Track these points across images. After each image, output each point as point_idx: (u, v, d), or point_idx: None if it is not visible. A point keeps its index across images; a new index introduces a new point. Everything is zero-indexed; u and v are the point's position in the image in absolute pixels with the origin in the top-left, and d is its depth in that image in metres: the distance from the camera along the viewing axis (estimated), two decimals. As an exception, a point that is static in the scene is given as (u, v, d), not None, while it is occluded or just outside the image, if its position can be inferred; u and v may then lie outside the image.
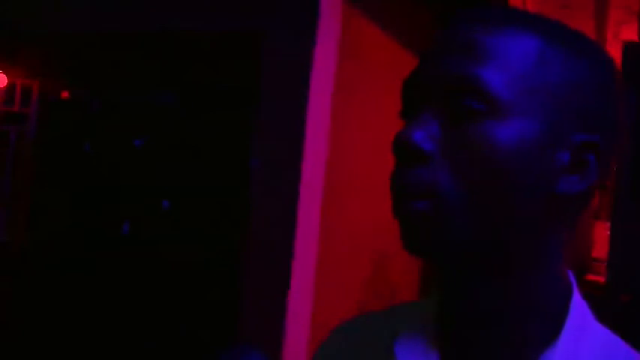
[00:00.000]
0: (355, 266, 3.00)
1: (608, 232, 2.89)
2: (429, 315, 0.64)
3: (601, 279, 3.37)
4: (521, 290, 0.58)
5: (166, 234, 2.73)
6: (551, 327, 0.58)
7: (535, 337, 0.58)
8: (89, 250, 2.86)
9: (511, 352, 0.58)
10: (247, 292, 2.47)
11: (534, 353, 0.57)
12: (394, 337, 0.64)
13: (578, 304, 0.60)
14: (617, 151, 0.60)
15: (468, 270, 0.59)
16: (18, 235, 3.20)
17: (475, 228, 0.56)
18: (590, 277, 6.41)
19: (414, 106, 0.60)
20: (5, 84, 3.34)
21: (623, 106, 0.60)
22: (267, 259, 2.45)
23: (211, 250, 2.64)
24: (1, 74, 3.29)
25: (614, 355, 0.58)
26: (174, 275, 2.69)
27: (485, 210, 0.55)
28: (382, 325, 0.68)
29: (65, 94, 3.19)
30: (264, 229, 2.47)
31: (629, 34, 4.50)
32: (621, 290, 2.76)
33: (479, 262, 0.58)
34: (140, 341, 2.70)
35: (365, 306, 3.05)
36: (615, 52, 4.85)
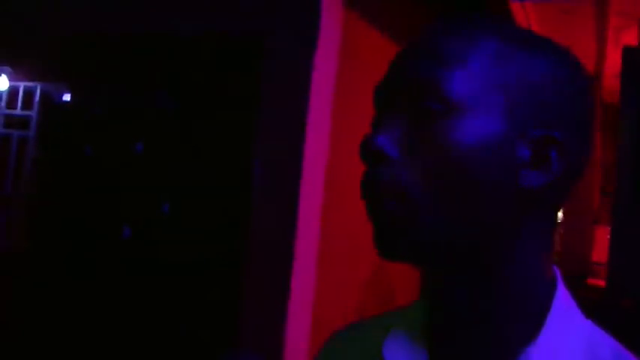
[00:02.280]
0: (355, 268, 3.01)
1: (609, 237, 2.90)
2: (418, 316, 0.66)
3: (601, 282, 3.38)
4: (498, 287, 0.59)
5: (167, 238, 2.74)
6: (533, 322, 0.58)
7: (517, 333, 0.58)
8: (90, 254, 2.86)
9: (494, 349, 0.59)
10: (248, 295, 2.47)
11: (517, 349, 0.58)
12: (384, 340, 0.66)
13: (560, 299, 0.60)
14: (584, 147, 0.61)
15: (443, 269, 0.61)
16: (18, 238, 3.20)
17: (443, 226, 0.57)
18: (591, 280, 6.42)
19: (382, 112, 0.62)
20: (7, 87, 3.35)
21: (587, 104, 0.62)
22: (267, 262, 2.46)
23: (212, 253, 2.64)
24: (3, 77, 3.30)
25: (598, 349, 0.59)
26: (175, 279, 2.69)
27: (451, 208, 0.57)
28: (373, 330, 0.70)
29: (67, 98, 3.19)
30: (264, 232, 2.47)
31: (629, 39, 4.51)
32: (621, 294, 2.76)
33: (452, 260, 0.59)
34: (141, 343, 2.70)
35: (365, 307, 3.05)
36: (615, 57, 4.86)
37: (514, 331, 0.59)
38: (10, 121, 3.33)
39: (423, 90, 0.58)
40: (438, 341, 0.63)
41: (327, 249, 2.65)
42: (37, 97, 3.25)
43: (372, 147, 0.59)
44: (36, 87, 3.25)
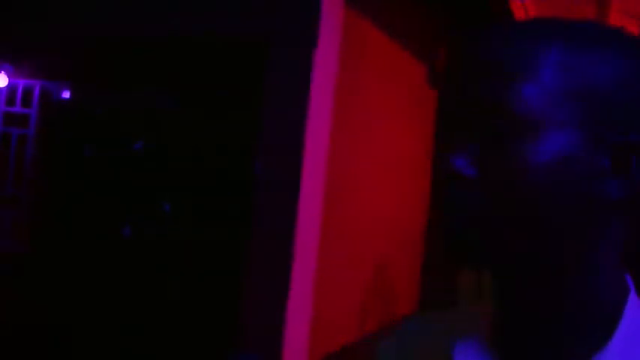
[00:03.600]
0: (356, 270, 3.00)
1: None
2: (487, 320, 0.65)
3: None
4: (571, 294, 0.58)
5: (167, 237, 2.73)
6: (604, 331, 0.58)
7: (588, 339, 0.58)
8: (90, 253, 2.86)
9: (564, 355, 0.58)
10: (248, 295, 2.47)
11: (587, 356, 0.57)
12: (453, 342, 0.65)
13: (633, 306, 0.59)
14: None
15: (519, 279, 0.60)
16: (19, 237, 3.20)
17: (521, 244, 0.56)
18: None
19: (456, 131, 0.61)
20: (6, 84, 3.35)
21: None
22: (268, 262, 2.45)
23: (212, 252, 2.64)
24: (3, 75, 3.30)
25: None
26: (175, 277, 2.69)
27: (529, 226, 0.55)
28: (445, 328, 0.69)
29: (66, 95, 3.19)
30: (265, 232, 2.47)
31: (630, 37, 4.50)
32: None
33: (525, 272, 0.58)
34: (141, 342, 2.70)
35: (365, 308, 3.05)
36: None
37: (585, 338, 0.58)
38: (10, 119, 3.33)
39: (492, 110, 0.56)
40: (508, 347, 0.62)
41: (328, 252, 2.65)
42: (36, 95, 3.25)
43: (452, 167, 0.57)
44: (35, 85, 3.25)
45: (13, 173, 3.30)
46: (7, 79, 3.33)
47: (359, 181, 2.95)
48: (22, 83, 3.33)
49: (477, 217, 0.56)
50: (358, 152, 2.93)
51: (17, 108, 3.35)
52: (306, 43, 2.46)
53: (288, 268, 2.39)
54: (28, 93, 3.32)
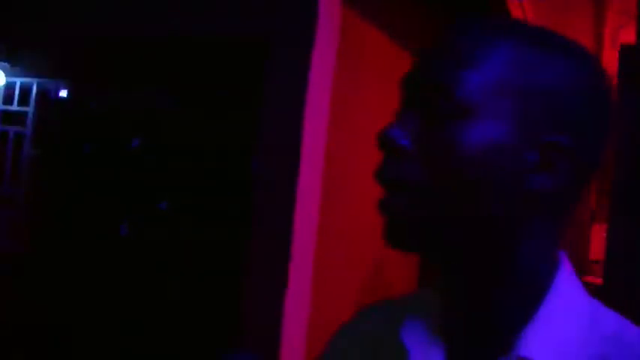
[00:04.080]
0: (353, 269, 3.00)
1: (605, 234, 2.90)
2: (433, 302, 0.69)
3: (598, 280, 3.38)
4: (500, 278, 0.61)
5: (164, 235, 2.73)
6: (533, 306, 0.61)
7: (517, 317, 0.61)
8: (88, 252, 2.86)
9: (497, 333, 0.62)
10: (245, 294, 2.47)
11: (517, 331, 0.60)
12: (402, 325, 0.69)
13: (562, 281, 0.62)
14: (595, 154, 0.62)
15: (447, 259, 0.63)
16: (17, 237, 3.20)
17: (448, 222, 0.59)
18: (588, 278, 6.42)
19: (402, 105, 0.65)
20: (4, 82, 3.34)
21: (603, 110, 0.62)
22: (265, 261, 2.46)
23: (209, 251, 2.64)
24: (0, 73, 3.29)
25: (600, 323, 0.61)
26: (172, 276, 2.69)
27: (456, 205, 0.59)
28: (395, 312, 0.72)
29: (64, 94, 3.19)
30: (262, 231, 2.47)
31: (627, 37, 4.51)
32: (618, 292, 2.76)
33: (455, 253, 0.62)
34: (138, 341, 2.70)
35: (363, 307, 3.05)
36: (613, 56, 4.87)
37: (515, 316, 0.61)
38: (7, 117, 3.32)
39: (437, 91, 0.59)
40: (451, 328, 0.65)
41: (325, 250, 2.65)
42: (33, 93, 3.24)
43: (388, 138, 0.61)
44: (33, 83, 3.24)
45: (10, 172, 3.29)
46: (4, 77, 3.33)
47: (357, 181, 2.94)
48: (19, 81, 3.33)
49: (408, 186, 0.60)
50: (356, 152, 2.93)
51: (14, 106, 3.34)
52: (304, 43, 2.46)
53: (286, 267, 2.40)
54: (25, 91, 3.31)
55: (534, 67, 0.60)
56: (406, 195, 0.60)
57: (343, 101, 2.74)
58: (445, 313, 0.66)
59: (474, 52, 0.60)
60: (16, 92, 3.31)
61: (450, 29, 0.64)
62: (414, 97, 0.63)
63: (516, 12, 4.92)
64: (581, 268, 6.61)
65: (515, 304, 0.62)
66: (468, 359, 0.64)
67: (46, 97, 3.23)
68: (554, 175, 0.59)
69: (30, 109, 3.28)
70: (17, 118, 3.31)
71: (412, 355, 0.65)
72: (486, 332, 0.63)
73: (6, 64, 3.27)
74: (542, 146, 0.59)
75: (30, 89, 3.25)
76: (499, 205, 0.59)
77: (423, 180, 0.59)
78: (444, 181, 0.58)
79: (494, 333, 0.62)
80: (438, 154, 0.59)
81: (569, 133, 0.59)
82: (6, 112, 3.33)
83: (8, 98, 3.31)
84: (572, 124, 0.60)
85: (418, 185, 0.59)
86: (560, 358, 0.58)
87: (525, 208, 0.60)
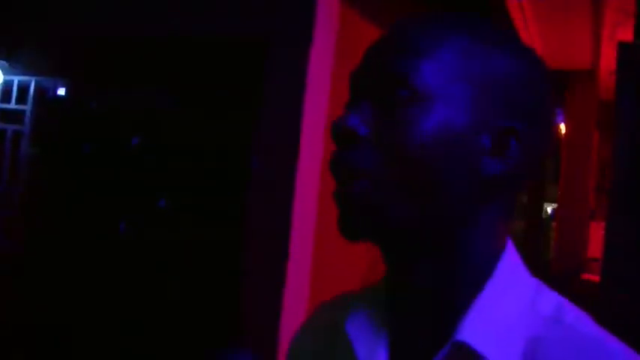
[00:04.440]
0: (351, 267, 3.01)
1: (603, 232, 2.90)
2: (381, 294, 0.70)
3: (596, 278, 3.39)
4: (449, 265, 0.63)
5: (163, 233, 2.73)
6: (476, 291, 0.62)
7: (460, 303, 0.62)
8: (85, 249, 2.86)
9: (440, 321, 0.62)
10: (244, 292, 2.47)
11: (459, 316, 0.61)
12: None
13: (504, 267, 0.63)
14: (542, 139, 0.65)
15: (400, 248, 0.65)
16: (14, 233, 3.19)
17: (403, 209, 0.60)
18: (586, 276, 6.43)
19: (355, 97, 0.66)
20: (1, 81, 3.34)
21: (546, 100, 0.65)
22: (263, 259, 2.46)
23: (208, 249, 2.64)
24: (-2, 72, 3.29)
25: (538, 304, 0.62)
26: (171, 274, 2.69)
27: (411, 191, 0.60)
28: (344, 304, 0.73)
29: (62, 92, 3.18)
30: (260, 229, 2.47)
31: (625, 35, 4.52)
32: (616, 289, 2.77)
33: (409, 241, 0.63)
34: (137, 339, 2.70)
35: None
36: (611, 53, 4.87)
37: (457, 302, 0.62)
38: (4, 116, 3.32)
39: (392, 79, 0.61)
40: (396, 317, 0.66)
41: (322, 248, 2.65)
42: (31, 91, 3.24)
43: (344, 127, 0.62)
44: (31, 81, 3.24)
45: (8, 170, 3.29)
46: (2, 76, 3.33)
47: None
48: (17, 79, 3.32)
49: (364, 174, 0.61)
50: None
51: (12, 104, 3.34)
52: (303, 43, 2.46)
53: (284, 266, 2.40)
54: (23, 89, 3.31)
55: (485, 59, 0.62)
56: (362, 183, 0.61)
57: (342, 100, 2.74)
58: (391, 304, 0.67)
59: (427, 42, 0.62)
60: (14, 90, 3.31)
61: (401, 23, 0.66)
62: (367, 88, 0.64)
63: (515, 10, 4.92)
64: (580, 266, 6.62)
65: (458, 290, 0.62)
66: (411, 348, 0.64)
67: (44, 95, 3.23)
68: (506, 160, 0.61)
69: (28, 107, 3.27)
70: (15, 116, 3.31)
71: (356, 345, 0.66)
72: (429, 320, 0.63)
73: (4, 62, 3.27)
74: (494, 131, 0.61)
75: (28, 87, 3.25)
76: (453, 190, 0.60)
77: (379, 167, 0.60)
78: (400, 167, 0.60)
79: (437, 320, 0.63)
80: (394, 140, 0.60)
81: (519, 119, 0.62)
82: (4, 111, 3.33)
83: (6, 96, 3.31)
84: (522, 111, 0.62)
85: (375, 173, 0.60)
86: (496, 341, 0.59)
87: (479, 193, 0.62)
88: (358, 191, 0.61)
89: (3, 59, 3.27)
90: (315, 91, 2.51)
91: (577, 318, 0.61)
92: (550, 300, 0.63)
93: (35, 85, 3.24)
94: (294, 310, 2.47)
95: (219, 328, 2.54)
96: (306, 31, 2.46)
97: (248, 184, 2.52)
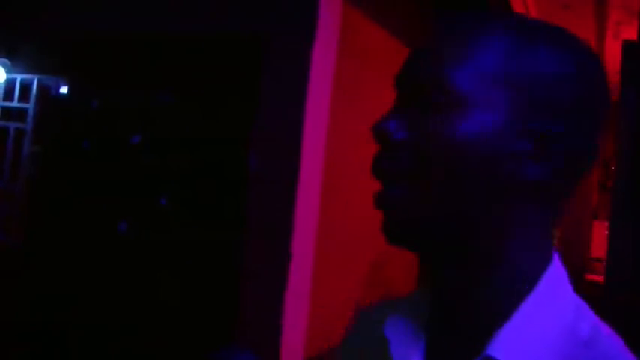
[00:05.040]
0: (353, 266, 3.00)
1: (607, 232, 2.89)
2: (420, 300, 0.69)
3: (600, 278, 3.38)
4: (488, 272, 0.61)
5: (164, 232, 2.73)
6: (514, 304, 0.60)
7: (498, 314, 0.60)
8: (85, 247, 2.86)
9: (476, 330, 0.61)
10: (245, 291, 2.47)
11: (494, 328, 0.59)
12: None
13: (547, 280, 0.61)
14: (589, 145, 0.62)
15: (439, 253, 0.63)
16: (16, 232, 3.20)
17: (440, 214, 0.60)
18: (590, 276, 6.42)
19: (397, 99, 0.65)
20: (4, 79, 3.34)
21: (597, 101, 0.62)
22: (264, 257, 2.45)
23: (209, 247, 2.63)
24: (0, 69, 3.29)
25: (578, 324, 0.60)
26: (171, 273, 2.69)
27: (449, 197, 0.59)
28: (388, 310, 0.72)
29: (64, 90, 3.19)
30: (261, 227, 2.47)
31: (629, 34, 4.50)
32: (620, 289, 2.76)
33: (447, 245, 0.61)
34: (137, 339, 2.70)
35: (363, 305, 3.05)
36: (615, 52, 4.85)
37: (495, 313, 0.60)
38: (7, 113, 3.32)
39: (429, 84, 0.60)
40: (433, 324, 0.66)
41: (325, 247, 2.64)
42: (34, 90, 3.24)
43: (382, 130, 0.61)
44: (33, 79, 3.24)
45: (10, 168, 3.29)
46: (4, 74, 3.33)
47: (357, 178, 2.94)
48: (19, 78, 3.32)
49: (403, 179, 0.60)
50: (356, 149, 2.92)
51: (15, 102, 3.34)
52: (305, 40, 2.45)
53: (286, 265, 2.39)
54: (25, 87, 3.31)
55: (527, 59, 0.60)
56: (401, 188, 0.60)
57: (344, 98, 2.73)
58: (431, 310, 0.67)
59: (464, 44, 0.60)
60: (17, 89, 3.31)
61: (439, 24, 0.65)
62: (407, 93, 0.63)
63: (519, 9, 4.91)
64: (583, 266, 6.60)
65: (497, 301, 0.61)
66: (446, 356, 0.64)
67: (47, 93, 3.23)
68: (546, 165, 0.59)
69: (30, 105, 3.28)
70: (18, 114, 3.31)
71: (393, 349, 0.65)
72: (466, 329, 0.63)
73: (7, 60, 3.27)
74: (535, 135, 0.59)
75: (30, 86, 3.25)
76: (491, 196, 0.59)
77: (417, 172, 0.59)
78: (437, 172, 0.59)
79: (473, 330, 0.62)
80: (431, 145, 0.59)
81: (562, 123, 0.59)
82: (6, 109, 3.33)
83: (9, 94, 3.31)
84: (565, 113, 0.60)
85: (411, 178, 0.60)
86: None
87: (517, 198, 0.60)
88: (393, 196, 0.61)
89: (5, 58, 3.27)
90: (317, 89, 2.50)
91: (610, 345, 0.59)
92: (590, 322, 0.60)
93: (38, 84, 3.24)
94: (296, 310, 2.46)
95: (220, 328, 2.54)
96: (309, 27, 2.46)
97: (249, 181, 2.52)
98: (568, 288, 0.63)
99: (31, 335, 2.90)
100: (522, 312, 0.59)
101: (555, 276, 0.62)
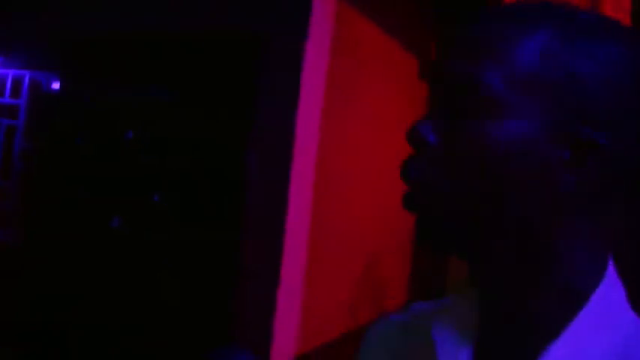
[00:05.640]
0: (346, 266, 3.00)
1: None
2: (470, 304, 0.66)
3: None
4: (533, 282, 0.58)
5: (157, 228, 2.72)
6: (567, 318, 0.57)
7: (548, 327, 0.58)
8: (78, 243, 2.85)
9: (526, 341, 0.59)
10: (238, 289, 2.46)
11: (545, 342, 0.57)
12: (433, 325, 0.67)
13: (602, 295, 0.59)
14: (633, 153, 0.58)
15: (476, 261, 0.61)
16: (9, 228, 3.18)
17: (474, 223, 0.57)
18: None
19: (434, 99, 0.62)
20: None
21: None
22: (258, 255, 2.45)
23: (202, 243, 2.63)
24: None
25: (635, 344, 0.57)
26: (164, 270, 2.68)
27: (480, 205, 0.56)
28: (426, 317, 0.70)
29: (56, 87, 3.17)
30: (254, 227, 2.46)
31: (623, 32, 4.50)
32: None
33: (484, 253, 0.59)
34: (130, 334, 2.69)
35: (355, 303, 3.05)
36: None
37: (547, 325, 0.58)
38: (-1, 110, 3.31)
39: (462, 86, 0.57)
40: (482, 329, 0.63)
41: (317, 248, 2.64)
42: (25, 86, 3.22)
43: (416, 133, 0.59)
44: (25, 75, 3.22)
45: (3, 164, 3.28)
46: (-4, 70, 3.31)
47: (349, 175, 2.94)
48: (11, 74, 3.31)
49: (432, 185, 0.57)
50: (350, 148, 2.92)
51: (6, 99, 3.32)
52: (298, 38, 2.44)
53: (278, 263, 2.39)
54: (17, 83, 3.29)
55: (569, 59, 0.55)
56: (430, 195, 0.58)
57: (337, 96, 2.73)
58: (481, 314, 0.64)
59: (500, 43, 0.56)
60: (8, 84, 3.29)
61: (475, 19, 0.60)
62: (442, 94, 0.60)
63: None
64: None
65: (549, 312, 0.58)
66: None
67: (39, 89, 3.21)
68: (586, 174, 0.55)
69: (22, 101, 3.26)
70: (10, 110, 3.30)
71: (439, 352, 0.64)
72: (516, 338, 0.60)
73: (-2, 56, 3.26)
74: (574, 143, 0.55)
75: (22, 82, 3.24)
76: (529, 204, 0.56)
77: (446, 178, 0.57)
78: (470, 180, 0.56)
79: (523, 340, 0.60)
80: (463, 152, 0.56)
81: (603, 130, 0.55)
82: (-2, 104, 3.32)
83: (0, 90, 3.29)
84: (609, 121, 0.55)
85: (443, 185, 0.57)
86: None
87: (558, 208, 0.57)
88: (425, 202, 0.58)
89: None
90: (311, 87, 2.50)
91: None
92: None
93: (29, 80, 3.23)
94: (288, 307, 2.46)
95: (212, 324, 2.54)
96: (302, 26, 2.45)
97: (242, 179, 2.51)
98: (623, 304, 0.60)
99: (28, 331, 2.89)
100: (573, 328, 0.57)
101: (609, 291, 0.59)
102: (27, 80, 3.25)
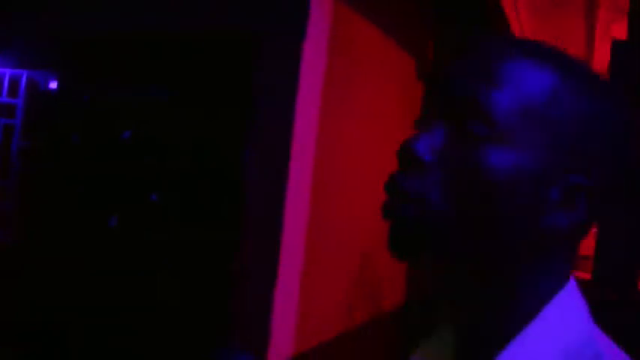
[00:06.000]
0: (342, 267, 3.00)
1: (595, 230, 2.91)
2: (445, 337, 0.68)
3: (587, 276, 3.41)
4: (496, 301, 0.60)
5: (154, 228, 2.72)
6: (518, 330, 0.59)
7: (500, 340, 0.59)
8: (76, 243, 2.85)
9: (482, 354, 0.60)
10: (234, 290, 2.46)
11: (494, 355, 0.59)
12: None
13: (555, 306, 0.60)
14: (617, 194, 0.60)
15: (450, 278, 0.62)
16: (6, 227, 3.18)
17: (457, 241, 0.58)
18: (577, 274, 6.45)
19: (428, 118, 0.62)
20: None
21: (632, 155, 0.60)
22: (255, 254, 2.45)
23: (200, 243, 2.63)
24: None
25: (583, 355, 0.58)
26: (161, 268, 2.68)
27: (469, 227, 0.57)
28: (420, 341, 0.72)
29: (54, 86, 3.17)
30: (252, 228, 2.47)
31: (619, 32, 4.52)
32: (608, 287, 2.78)
33: (459, 273, 0.61)
34: (126, 335, 2.69)
35: (352, 304, 3.05)
36: (605, 50, 4.88)
37: (498, 339, 0.59)
38: (-4, 109, 3.30)
39: (468, 107, 0.57)
40: (455, 348, 0.65)
41: (314, 248, 2.64)
42: (23, 85, 3.22)
43: (412, 150, 0.58)
44: (22, 74, 3.22)
45: (0, 163, 3.27)
46: (-7, 69, 3.30)
47: (347, 175, 2.94)
48: (8, 73, 3.30)
49: (422, 200, 0.58)
50: (346, 148, 2.93)
51: (4, 98, 3.32)
52: (295, 38, 2.45)
53: (275, 263, 2.39)
54: (14, 82, 3.29)
55: (573, 104, 0.57)
56: (418, 209, 0.58)
57: (334, 96, 2.73)
58: (456, 343, 0.66)
59: (512, 75, 0.57)
60: (5, 83, 3.29)
61: (486, 41, 0.61)
62: (442, 109, 0.60)
63: (509, 7, 4.92)
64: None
65: (502, 330, 0.60)
66: None
67: (36, 88, 3.21)
68: (572, 214, 0.57)
69: (19, 100, 3.25)
70: (7, 109, 3.29)
71: None
72: (476, 353, 0.62)
73: (-5, 55, 3.25)
74: (565, 184, 0.57)
75: (19, 81, 3.23)
76: (513, 235, 0.57)
77: (440, 196, 0.57)
78: (462, 201, 0.57)
79: (481, 354, 0.61)
80: (460, 173, 0.57)
81: (593, 174, 0.57)
82: (-5, 104, 3.31)
83: (-3, 89, 3.29)
84: (601, 167, 0.58)
85: (434, 201, 0.57)
86: None
87: (539, 241, 0.58)
88: (412, 216, 0.58)
89: (-6, 52, 3.25)
90: (309, 86, 2.50)
91: None
92: (596, 346, 0.59)
93: (27, 79, 3.22)
94: (285, 307, 2.47)
95: (209, 324, 2.54)
96: (300, 26, 2.45)
97: (240, 179, 2.51)
98: (581, 314, 0.61)
99: (25, 331, 2.89)
100: (524, 335, 0.58)
101: (566, 301, 0.61)
102: (24, 79, 3.24)
